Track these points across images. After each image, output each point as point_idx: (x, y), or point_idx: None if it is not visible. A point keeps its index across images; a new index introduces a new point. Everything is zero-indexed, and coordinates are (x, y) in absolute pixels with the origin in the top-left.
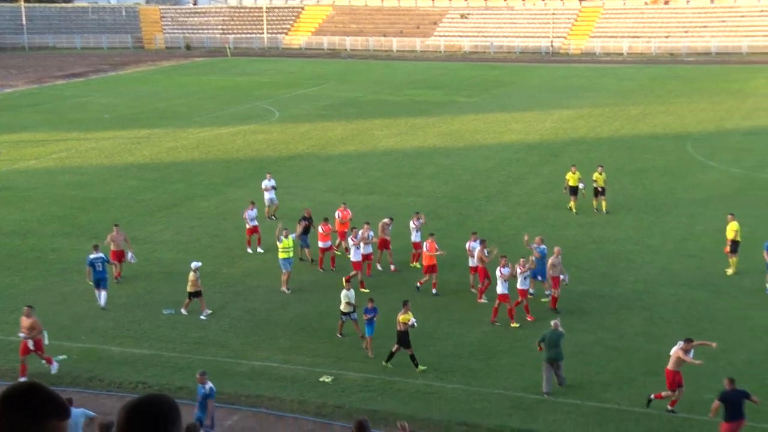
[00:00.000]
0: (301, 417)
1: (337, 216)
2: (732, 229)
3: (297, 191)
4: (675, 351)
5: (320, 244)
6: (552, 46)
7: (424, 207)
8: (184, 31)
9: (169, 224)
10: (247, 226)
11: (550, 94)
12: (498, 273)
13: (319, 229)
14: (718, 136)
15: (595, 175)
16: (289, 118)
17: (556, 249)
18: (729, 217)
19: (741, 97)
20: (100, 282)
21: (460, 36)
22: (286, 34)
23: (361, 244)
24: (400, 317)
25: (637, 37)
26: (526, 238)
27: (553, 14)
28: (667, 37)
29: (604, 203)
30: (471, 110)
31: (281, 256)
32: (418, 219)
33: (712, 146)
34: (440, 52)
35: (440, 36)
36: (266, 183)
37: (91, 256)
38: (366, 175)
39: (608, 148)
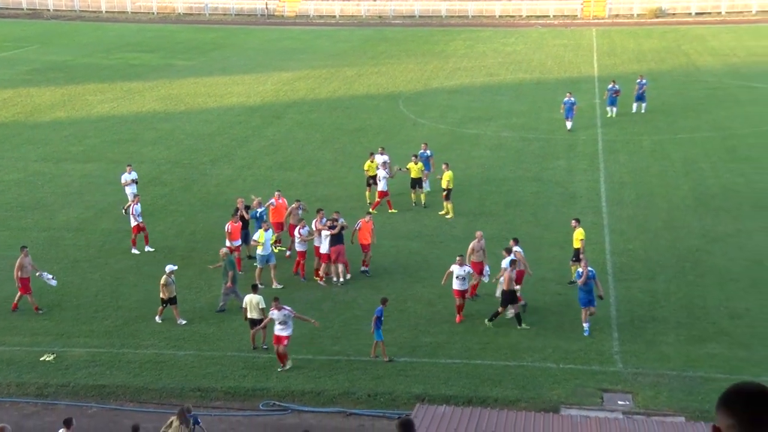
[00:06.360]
0: (21, 400)
1: (271, 204)
2: (577, 238)
3: (4, 162)
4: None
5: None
6: (267, 8)
7: (147, 173)
8: None
9: None
10: (133, 223)
11: (268, 56)
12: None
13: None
14: (426, 95)
15: (445, 174)
16: None
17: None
18: (573, 223)
19: (443, 58)
20: None
21: None
22: None
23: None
24: (505, 276)
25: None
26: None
27: None
28: None
29: (450, 206)
30: (190, 73)
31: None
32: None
33: (421, 104)
34: (153, 13)
35: None
36: (126, 177)
37: None
38: (81, 143)
39: (327, 109)
